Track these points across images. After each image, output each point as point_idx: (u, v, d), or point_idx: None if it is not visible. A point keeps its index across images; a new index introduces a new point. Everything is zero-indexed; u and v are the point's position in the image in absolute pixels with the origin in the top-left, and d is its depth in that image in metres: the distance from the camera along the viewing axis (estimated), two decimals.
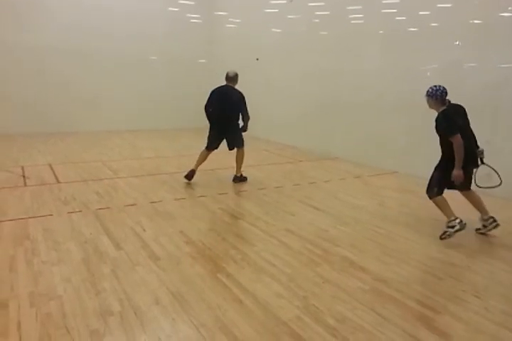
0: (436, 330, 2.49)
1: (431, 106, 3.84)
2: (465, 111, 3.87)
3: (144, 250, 3.51)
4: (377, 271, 3.25)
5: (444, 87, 3.74)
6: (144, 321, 2.50)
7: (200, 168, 6.70)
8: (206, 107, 5.75)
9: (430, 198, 3.93)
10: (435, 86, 3.75)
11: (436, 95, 3.72)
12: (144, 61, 10.88)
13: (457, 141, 3.62)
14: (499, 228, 4.03)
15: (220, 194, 5.31)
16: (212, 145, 5.80)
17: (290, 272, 3.19)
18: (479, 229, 4.03)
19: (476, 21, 5.50)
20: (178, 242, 3.70)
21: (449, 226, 3.74)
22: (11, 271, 3.08)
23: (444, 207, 3.81)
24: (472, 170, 3.87)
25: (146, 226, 4.07)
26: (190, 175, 5.68)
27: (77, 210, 4.49)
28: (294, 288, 2.95)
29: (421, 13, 6.15)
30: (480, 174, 3.91)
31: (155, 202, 4.88)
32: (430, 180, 3.94)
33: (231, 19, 10.99)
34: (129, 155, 7.80)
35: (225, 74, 5.76)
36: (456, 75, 5.73)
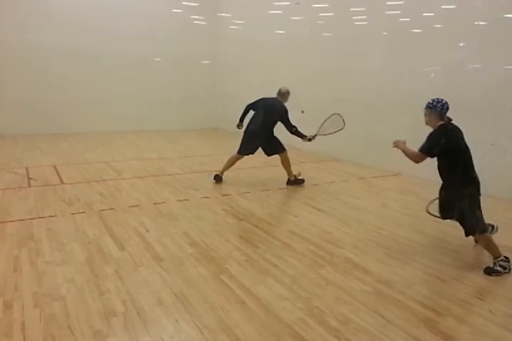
0: (440, 332, 2.49)
1: (428, 121, 3.44)
2: (463, 134, 3.39)
3: (147, 251, 3.52)
4: (380, 272, 3.24)
5: (446, 101, 3.35)
6: (147, 322, 2.50)
7: (202, 169, 6.71)
8: (247, 107, 5.86)
9: (479, 234, 3.34)
10: (437, 98, 3.38)
11: (437, 107, 3.32)
12: (147, 62, 10.92)
13: (419, 158, 3.35)
14: (502, 230, 4.00)
15: (223, 195, 5.31)
16: (244, 150, 5.80)
17: (293, 274, 3.19)
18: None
19: (480, 23, 5.49)
20: (182, 243, 3.71)
21: (501, 266, 3.27)
22: (15, 271, 3.10)
23: (493, 243, 3.35)
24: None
25: (150, 227, 4.08)
26: (217, 179, 5.83)
27: (80, 211, 4.51)
28: (297, 289, 2.95)
29: (425, 14, 6.14)
30: (436, 201, 3.68)
31: (158, 203, 4.89)
32: (467, 216, 3.32)
33: (235, 21, 11.02)
34: (132, 156, 7.82)
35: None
36: (459, 76, 5.72)
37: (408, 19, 6.42)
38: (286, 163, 5.86)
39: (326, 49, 7.97)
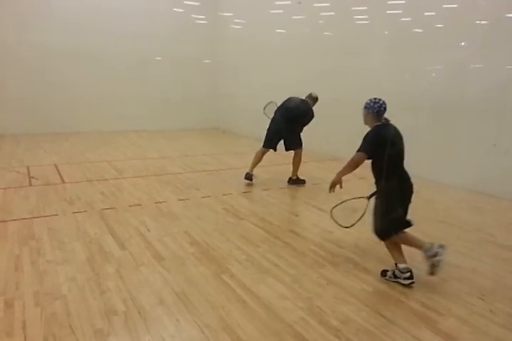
0: (441, 332, 2.48)
1: (365, 121, 3.36)
2: (401, 136, 3.35)
3: (148, 250, 3.52)
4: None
5: (384, 102, 3.28)
6: (148, 321, 2.50)
7: (204, 168, 6.70)
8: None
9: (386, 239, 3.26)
10: (375, 98, 3.30)
11: (374, 107, 3.24)
12: (148, 61, 10.91)
13: (358, 158, 3.27)
14: (505, 230, 4.00)
15: (224, 194, 5.31)
16: (268, 143, 5.80)
17: (294, 273, 3.19)
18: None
19: (482, 22, 5.48)
20: (183, 242, 3.71)
21: (398, 272, 3.11)
22: (17, 270, 3.10)
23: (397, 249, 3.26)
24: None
25: (151, 227, 4.08)
26: (248, 178, 5.76)
27: (82, 210, 4.51)
28: (298, 289, 2.95)
29: (426, 13, 6.13)
30: (348, 206, 3.59)
31: (159, 202, 4.89)
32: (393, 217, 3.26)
33: (236, 20, 11.01)
34: (133, 155, 7.82)
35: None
36: (461, 76, 5.71)
37: (409, 19, 6.41)
38: (297, 160, 5.85)
39: (327, 48, 7.95)
